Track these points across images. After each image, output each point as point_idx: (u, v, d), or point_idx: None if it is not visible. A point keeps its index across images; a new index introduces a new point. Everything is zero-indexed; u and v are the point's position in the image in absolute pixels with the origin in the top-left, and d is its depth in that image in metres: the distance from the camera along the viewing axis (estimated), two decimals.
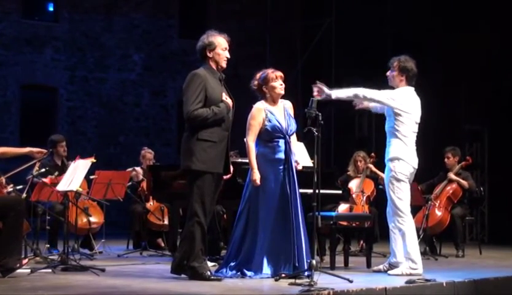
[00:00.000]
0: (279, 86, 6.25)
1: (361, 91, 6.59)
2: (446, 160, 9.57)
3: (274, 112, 6.24)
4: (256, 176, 6.09)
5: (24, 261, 5.91)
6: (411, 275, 6.36)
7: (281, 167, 6.19)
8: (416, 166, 6.66)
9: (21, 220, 5.99)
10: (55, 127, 15.65)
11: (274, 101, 6.28)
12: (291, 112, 6.35)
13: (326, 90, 6.39)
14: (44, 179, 7.70)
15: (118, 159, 15.70)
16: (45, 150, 6.33)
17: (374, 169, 9.36)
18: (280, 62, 14.96)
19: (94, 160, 6.75)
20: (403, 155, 6.57)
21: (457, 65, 13.56)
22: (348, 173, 9.65)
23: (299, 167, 6.31)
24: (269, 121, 6.19)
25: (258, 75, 6.32)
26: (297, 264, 6.03)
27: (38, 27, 15.76)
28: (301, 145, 7.48)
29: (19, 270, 6.25)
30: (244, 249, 6.14)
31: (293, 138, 6.39)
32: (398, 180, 6.57)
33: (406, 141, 6.59)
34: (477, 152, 13.66)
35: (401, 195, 6.57)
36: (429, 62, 13.72)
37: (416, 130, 6.68)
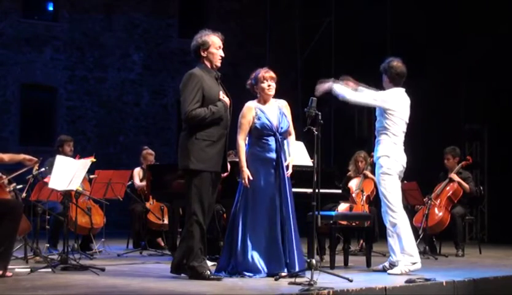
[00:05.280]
0: (267, 87, 6.25)
1: (353, 97, 6.72)
2: (445, 161, 9.56)
3: (265, 110, 6.24)
4: (245, 174, 6.09)
5: (9, 274, 5.83)
6: (410, 272, 6.40)
7: (272, 166, 6.18)
8: (405, 165, 6.75)
9: (17, 224, 5.91)
10: (55, 127, 15.67)
11: (265, 101, 6.28)
12: (286, 110, 6.33)
13: (328, 84, 6.64)
14: (44, 179, 7.70)
15: (117, 158, 15.73)
16: (35, 159, 6.37)
17: (370, 175, 9.37)
18: (280, 62, 15.01)
19: (94, 160, 6.75)
20: (391, 153, 6.65)
21: (457, 65, 13.56)
22: (348, 173, 9.65)
23: (289, 172, 6.24)
24: (259, 119, 6.19)
25: (252, 75, 6.34)
26: (288, 261, 6.03)
27: (37, 27, 15.77)
28: (301, 144, 7.47)
29: (18, 270, 6.26)
30: (238, 251, 6.11)
31: (292, 138, 6.38)
32: (388, 175, 6.64)
33: (396, 140, 6.68)
34: (477, 151, 13.65)
35: (391, 189, 6.63)
36: (429, 62, 13.72)
37: (405, 130, 6.76)
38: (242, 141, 6.21)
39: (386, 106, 6.68)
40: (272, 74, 6.28)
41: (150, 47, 16.67)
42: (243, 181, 6.11)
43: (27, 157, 6.30)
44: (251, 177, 6.10)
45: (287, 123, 6.28)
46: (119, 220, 11.71)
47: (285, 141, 6.30)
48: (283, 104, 6.35)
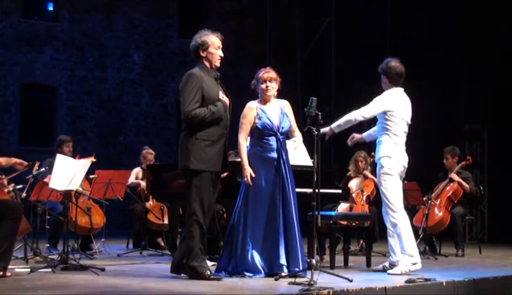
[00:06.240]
0: (265, 88, 6.26)
1: (352, 116, 6.76)
2: (444, 161, 9.57)
3: (266, 110, 6.25)
4: (247, 172, 6.10)
5: (8, 274, 5.83)
6: (410, 272, 6.40)
7: (273, 166, 6.19)
8: (406, 165, 6.75)
9: (17, 225, 5.92)
10: (55, 127, 15.67)
11: (266, 101, 6.29)
12: (288, 110, 6.33)
13: (325, 130, 6.64)
14: (44, 179, 7.71)
15: (117, 158, 15.73)
16: (25, 163, 6.38)
17: (370, 175, 9.38)
18: (280, 62, 14.98)
19: (94, 160, 6.75)
20: (392, 153, 6.65)
21: (457, 65, 13.56)
22: (348, 173, 9.65)
23: (297, 145, 6.29)
24: (260, 118, 6.20)
25: (255, 75, 6.35)
26: (286, 264, 6.03)
27: (37, 27, 15.78)
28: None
29: (18, 270, 6.26)
30: (238, 251, 6.12)
31: (298, 138, 6.37)
32: (389, 175, 6.64)
33: (397, 140, 6.68)
34: (477, 151, 13.66)
35: (392, 190, 6.63)
36: (429, 62, 13.72)
37: (407, 130, 6.77)
38: (243, 140, 6.21)
39: (388, 108, 6.67)
40: (271, 74, 6.27)
41: (150, 47, 16.68)
42: (245, 179, 6.12)
43: (18, 160, 6.35)
44: (253, 175, 6.10)
45: (288, 123, 6.29)
46: (119, 220, 11.71)
47: (287, 141, 6.31)
48: (285, 104, 6.36)
